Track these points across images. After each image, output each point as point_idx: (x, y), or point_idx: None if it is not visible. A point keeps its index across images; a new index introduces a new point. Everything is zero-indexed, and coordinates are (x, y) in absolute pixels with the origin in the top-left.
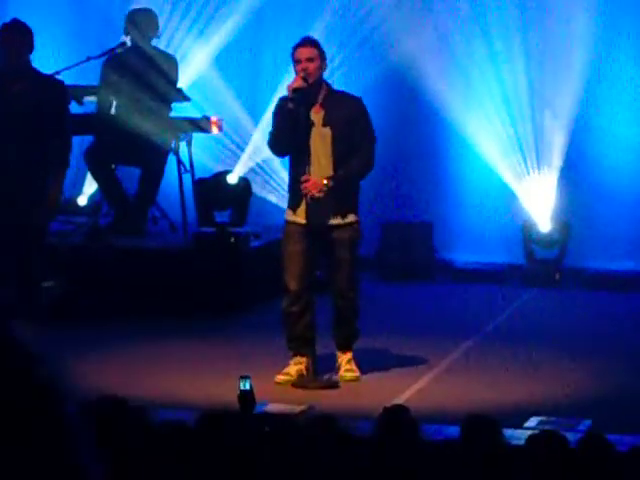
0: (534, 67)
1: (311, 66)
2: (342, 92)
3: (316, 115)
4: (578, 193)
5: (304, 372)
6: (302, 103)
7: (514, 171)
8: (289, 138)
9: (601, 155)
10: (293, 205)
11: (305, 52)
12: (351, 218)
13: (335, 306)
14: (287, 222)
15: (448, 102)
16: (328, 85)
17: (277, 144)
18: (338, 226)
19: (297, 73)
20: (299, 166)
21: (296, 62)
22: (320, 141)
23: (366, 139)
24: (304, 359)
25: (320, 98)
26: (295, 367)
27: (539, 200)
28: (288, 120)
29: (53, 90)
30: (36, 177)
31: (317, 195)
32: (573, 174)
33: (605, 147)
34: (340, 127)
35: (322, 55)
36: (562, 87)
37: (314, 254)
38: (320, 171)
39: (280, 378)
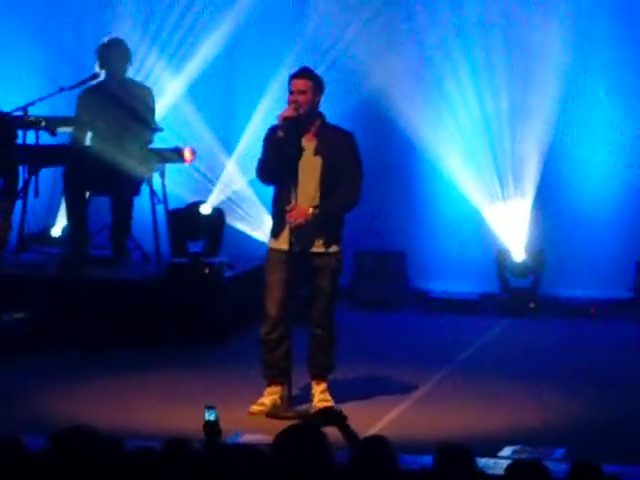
0: (508, 95)
1: (302, 98)
2: (335, 126)
3: (308, 143)
4: (552, 221)
5: (278, 402)
6: (293, 132)
7: (488, 200)
8: (277, 166)
9: (575, 182)
10: (276, 232)
11: (298, 84)
12: (334, 248)
13: (312, 335)
14: (270, 249)
15: (421, 131)
16: (322, 117)
17: (265, 172)
18: (321, 254)
19: (289, 103)
20: (285, 194)
21: (289, 92)
22: (309, 170)
23: (354, 174)
24: (279, 388)
25: (313, 128)
26: (270, 397)
27: (513, 228)
28: (277, 148)
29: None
30: None
31: (302, 223)
32: (547, 202)
33: (579, 174)
34: (330, 158)
35: (317, 87)
36: (535, 114)
37: (295, 282)
38: (306, 199)
39: (254, 409)
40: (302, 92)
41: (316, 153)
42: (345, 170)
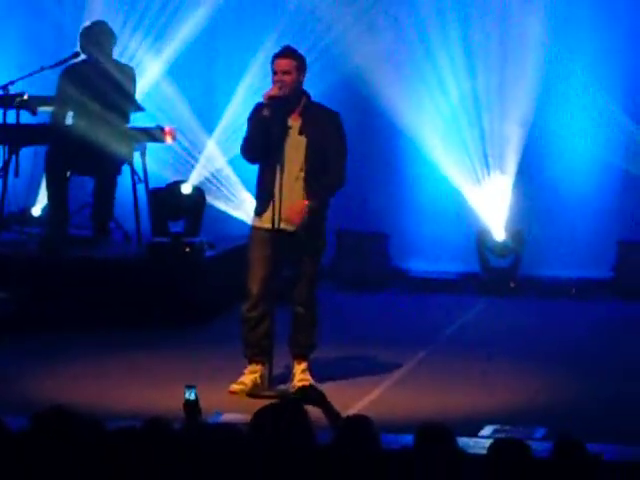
0: (488, 74)
1: (287, 78)
2: (320, 104)
3: (293, 123)
4: (532, 201)
5: (259, 381)
6: (278, 111)
7: (468, 180)
8: (262, 145)
9: (554, 162)
10: (260, 211)
11: (282, 64)
12: (318, 228)
13: (294, 314)
14: (253, 227)
15: (402, 111)
16: (307, 96)
17: (249, 150)
18: (305, 234)
19: (274, 83)
20: (269, 173)
21: (273, 72)
22: (294, 149)
23: (339, 154)
24: (259, 367)
25: (298, 108)
26: (250, 376)
27: (493, 208)
28: (262, 127)
29: None
30: None
31: (300, 222)
32: (527, 182)
33: (558, 154)
34: (316, 137)
35: (301, 66)
36: (515, 93)
37: (278, 261)
38: (290, 179)
39: (235, 387)
40: (286, 72)
41: (301, 132)
42: (331, 150)
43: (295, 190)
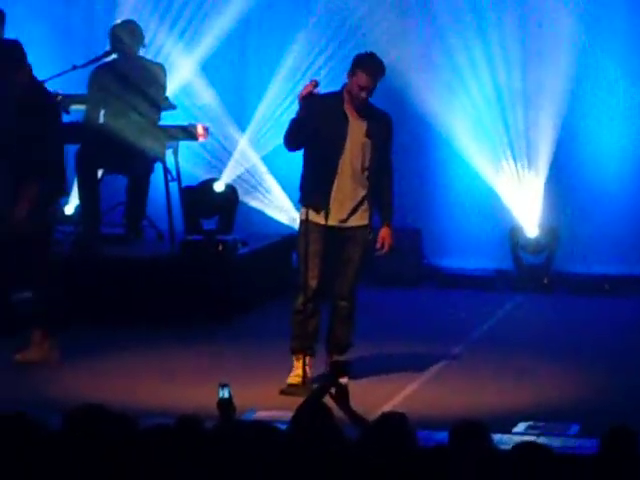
0: (520, 71)
1: (364, 94)
2: (375, 106)
3: (357, 122)
4: (565, 197)
5: (308, 373)
6: (336, 108)
7: (501, 176)
8: (305, 133)
9: (588, 159)
10: (313, 205)
11: (366, 80)
12: (366, 221)
13: (335, 308)
14: (306, 221)
15: (435, 108)
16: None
17: (294, 134)
18: (354, 227)
19: (355, 95)
20: (326, 168)
21: (358, 87)
22: (358, 149)
23: (391, 159)
24: (308, 359)
25: (361, 108)
26: (304, 369)
27: (526, 205)
28: (306, 120)
29: None
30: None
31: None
32: (560, 179)
33: (592, 151)
34: (380, 141)
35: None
36: (548, 91)
37: (327, 256)
38: (352, 179)
39: (293, 379)
40: (364, 89)
41: (367, 134)
42: (388, 154)
43: (357, 190)
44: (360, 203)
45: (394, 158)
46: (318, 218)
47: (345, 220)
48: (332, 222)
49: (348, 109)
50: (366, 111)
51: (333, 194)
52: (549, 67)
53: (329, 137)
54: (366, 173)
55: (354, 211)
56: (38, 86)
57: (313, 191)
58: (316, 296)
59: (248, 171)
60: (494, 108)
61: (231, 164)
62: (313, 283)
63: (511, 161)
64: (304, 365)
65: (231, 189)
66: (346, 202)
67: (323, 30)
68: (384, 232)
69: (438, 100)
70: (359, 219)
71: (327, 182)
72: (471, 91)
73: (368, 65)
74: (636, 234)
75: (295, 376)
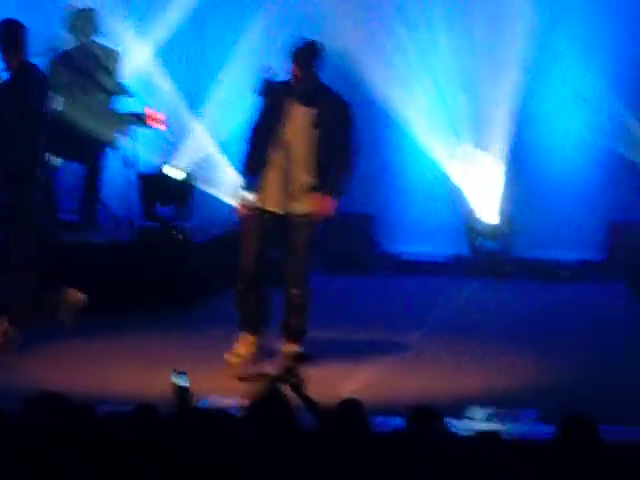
0: (477, 58)
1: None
2: (332, 91)
3: (304, 109)
4: (522, 184)
5: (254, 351)
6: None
7: (458, 163)
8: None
9: (544, 146)
10: (250, 189)
11: (295, 69)
12: (312, 209)
13: (287, 296)
14: (245, 205)
15: (389, 93)
16: (317, 80)
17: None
18: (299, 214)
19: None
20: (270, 154)
21: (292, 74)
22: (303, 136)
23: (345, 145)
24: (252, 338)
25: (308, 93)
26: (244, 347)
27: (483, 192)
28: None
29: None
30: None
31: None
32: (517, 165)
33: (548, 138)
34: (328, 129)
35: (310, 66)
36: (505, 79)
37: (270, 241)
38: (297, 165)
39: (230, 358)
40: (295, 75)
41: (314, 123)
42: (338, 140)
43: (300, 177)
44: (305, 190)
45: None
46: (259, 202)
47: (286, 206)
48: (270, 207)
49: (292, 96)
50: (317, 97)
51: (269, 179)
52: (505, 55)
53: (270, 124)
54: (313, 159)
55: (297, 198)
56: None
57: (250, 175)
58: (253, 279)
59: (204, 158)
60: (451, 95)
61: (187, 150)
62: (249, 266)
63: (467, 148)
64: (249, 344)
65: (188, 176)
66: (286, 187)
67: (278, 17)
68: (317, 197)
69: (392, 86)
70: (303, 206)
71: (263, 167)
72: (425, 79)
73: (293, 53)
74: (593, 220)
75: (233, 354)
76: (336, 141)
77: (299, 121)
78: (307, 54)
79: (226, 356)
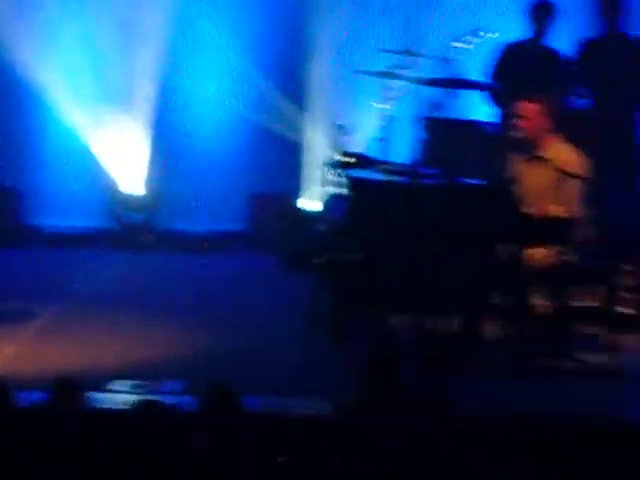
0: (124, 26)
1: None
2: None
3: None
4: (168, 155)
5: None
6: None
7: (102, 133)
8: None
9: (190, 117)
10: None
11: None
12: None
13: None
14: None
15: (28, 62)
16: None
17: None
18: None
19: None
20: None
21: None
22: None
23: None
24: None
25: None
26: None
27: (126, 164)
28: None
29: None
30: None
31: None
32: (162, 138)
33: (194, 109)
34: None
35: None
36: (151, 47)
37: None
38: None
39: None
40: None
41: None
42: None
43: None
44: None
45: None
46: None
47: None
48: None
49: None
50: None
51: None
52: (151, 24)
53: None
54: None
55: None
56: None
57: None
58: None
59: None
60: (91, 66)
61: None
62: None
63: (112, 118)
64: None
65: None
66: None
67: None
68: None
69: (30, 57)
70: None
71: None
72: (65, 47)
73: None
74: (237, 191)
75: None
76: None
77: None
78: None
79: None
